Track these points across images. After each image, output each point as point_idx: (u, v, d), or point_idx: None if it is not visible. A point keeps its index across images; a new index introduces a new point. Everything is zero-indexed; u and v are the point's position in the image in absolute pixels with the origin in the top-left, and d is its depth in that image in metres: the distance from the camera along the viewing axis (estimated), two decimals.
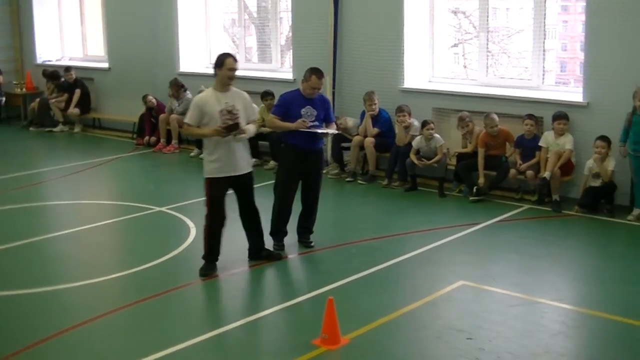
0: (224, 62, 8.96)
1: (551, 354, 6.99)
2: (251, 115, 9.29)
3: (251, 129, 9.15)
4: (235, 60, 9.04)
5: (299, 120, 9.66)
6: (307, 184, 9.99)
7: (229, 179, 9.06)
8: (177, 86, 16.39)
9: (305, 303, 8.31)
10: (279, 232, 9.99)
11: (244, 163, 9.17)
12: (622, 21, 11.36)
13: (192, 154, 15.75)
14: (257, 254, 9.56)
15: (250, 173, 9.26)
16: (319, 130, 9.77)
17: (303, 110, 9.71)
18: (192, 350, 7.17)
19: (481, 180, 12.27)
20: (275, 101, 10.11)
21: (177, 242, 10.22)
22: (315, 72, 9.74)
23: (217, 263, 9.16)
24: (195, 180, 14.14)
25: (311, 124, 9.71)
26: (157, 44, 17.59)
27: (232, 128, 8.81)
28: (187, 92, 16.32)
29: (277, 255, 9.66)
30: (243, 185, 9.23)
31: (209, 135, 8.94)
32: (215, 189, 9.04)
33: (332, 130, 10.18)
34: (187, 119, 9.20)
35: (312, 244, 10.03)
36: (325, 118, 9.92)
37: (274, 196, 10.01)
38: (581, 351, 7.18)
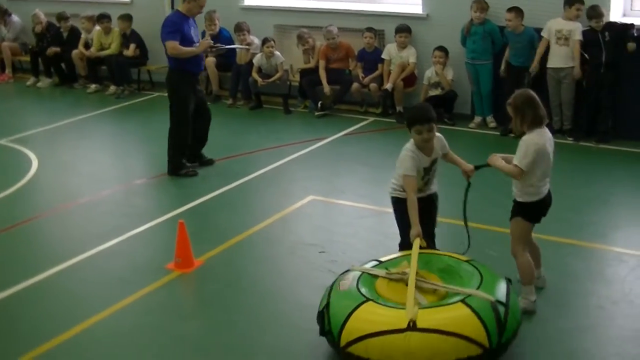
0: None
1: None
2: None
3: None
4: None
5: (205, 42, 9.59)
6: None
7: None
8: (0, 12, 15.61)
9: (156, 228, 8.23)
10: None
11: None
12: None
13: (28, 83, 15.15)
14: None
15: None
16: (237, 45, 9.71)
17: (192, 30, 9.55)
18: (45, 283, 7.01)
19: (327, 89, 12.34)
20: (167, 28, 9.65)
21: (18, 175, 9.87)
22: None
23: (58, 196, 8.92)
24: (34, 110, 13.72)
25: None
26: None
27: None
28: (13, 16, 15.62)
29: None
30: None
31: None
32: None
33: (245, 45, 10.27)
34: None
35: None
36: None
37: (175, 128, 9.73)
38: None
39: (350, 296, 5.58)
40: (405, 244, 6.33)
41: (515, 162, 5.99)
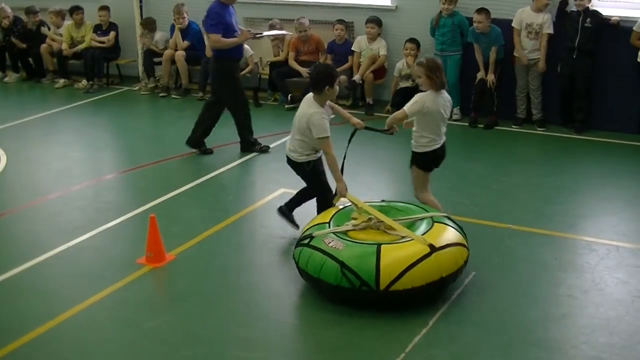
0: None
1: None
2: None
3: None
4: None
5: (246, 32, 9.81)
6: None
7: None
8: None
9: (127, 223, 8.18)
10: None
11: None
12: None
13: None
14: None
15: None
16: (276, 32, 10.77)
17: (233, 19, 9.69)
18: (15, 280, 6.96)
19: (304, 72, 12.35)
20: (210, 20, 9.71)
21: None
22: None
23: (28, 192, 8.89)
24: (1, 106, 13.57)
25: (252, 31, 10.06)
26: None
27: None
28: None
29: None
30: None
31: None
32: None
33: (283, 31, 11.26)
34: None
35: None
36: None
37: (238, 111, 10.11)
38: None
39: (361, 247, 6.21)
40: (326, 202, 7.15)
41: (404, 107, 7.07)
